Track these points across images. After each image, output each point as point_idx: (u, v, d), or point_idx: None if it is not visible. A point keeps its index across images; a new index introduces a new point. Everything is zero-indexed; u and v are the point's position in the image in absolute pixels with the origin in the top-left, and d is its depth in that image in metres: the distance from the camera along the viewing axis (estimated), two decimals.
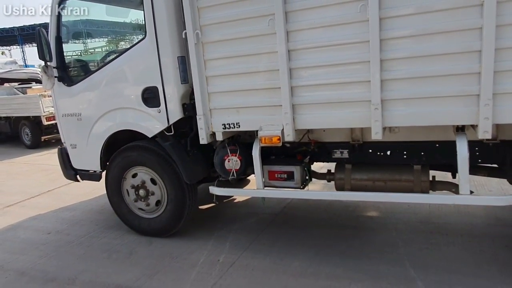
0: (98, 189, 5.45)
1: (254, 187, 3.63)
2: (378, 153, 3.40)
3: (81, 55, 5.60)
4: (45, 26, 4.36)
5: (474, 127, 2.75)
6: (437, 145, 3.22)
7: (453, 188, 3.23)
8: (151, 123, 3.78)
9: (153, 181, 4.00)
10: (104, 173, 4.33)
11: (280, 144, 3.26)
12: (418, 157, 3.29)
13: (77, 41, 5.39)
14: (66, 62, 4.37)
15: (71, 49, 5.01)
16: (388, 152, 3.36)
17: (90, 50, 6.11)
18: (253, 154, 3.47)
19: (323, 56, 2.96)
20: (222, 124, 3.45)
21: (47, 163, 8.74)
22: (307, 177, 3.65)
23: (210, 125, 3.51)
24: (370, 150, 3.42)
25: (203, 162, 3.89)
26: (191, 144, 3.74)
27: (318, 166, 4.00)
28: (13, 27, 31.35)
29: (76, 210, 5.35)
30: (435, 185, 3.40)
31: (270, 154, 3.76)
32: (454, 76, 2.65)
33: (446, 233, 3.73)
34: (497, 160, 3.21)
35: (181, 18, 3.39)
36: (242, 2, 3.10)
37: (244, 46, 3.19)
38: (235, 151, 3.62)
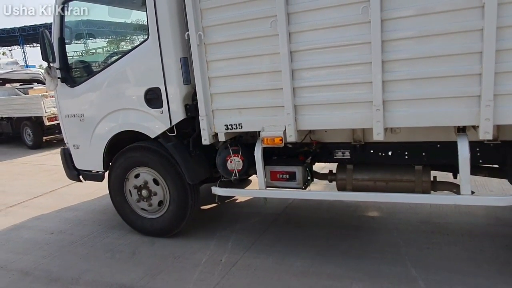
0: (100, 189, 5.50)
1: (256, 187, 3.65)
2: (380, 154, 3.41)
3: (84, 56, 5.62)
4: (47, 26, 4.39)
5: (475, 127, 2.77)
6: (438, 145, 3.23)
7: (454, 188, 3.25)
8: (154, 123, 3.80)
9: (155, 182, 4.02)
10: (106, 174, 4.36)
11: (282, 145, 3.27)
12: (420, 157, 3.30)
13: (80, 42, 5.41)
14: (69, 63, 4.39)
15: (74, 50, 5.03)
16: (390, 153, 3.37)
17: (93, 51, 6.13)
18: (255, 154, 3.48)
19: (325, 57, 2.98)
20: (225, 125, 3.46)
21: (49, 163, 8.78)
22: (308, 178, 3.66)
23: (213, 126, 3.52)
24: (372, 151, 3.43)
25: (205, 162, 3.91)
26: (193, 145, 3.76)
27: (319, 167, 4.01)
28: (14, 27, 31.42)
29: (79, 210, 5.37)
30: (436, 186, 3.42)
31: (272, 155, 3.78)
32: (455, 77, 2.67)
33: (447, 233, 3.75)
34: (498, 160, 3.22)
35: (184, 20, 3.42)
36: (245, 4, 3.12)
37: (246, 47, 3.20)
38: (237, 152, 3.64)
